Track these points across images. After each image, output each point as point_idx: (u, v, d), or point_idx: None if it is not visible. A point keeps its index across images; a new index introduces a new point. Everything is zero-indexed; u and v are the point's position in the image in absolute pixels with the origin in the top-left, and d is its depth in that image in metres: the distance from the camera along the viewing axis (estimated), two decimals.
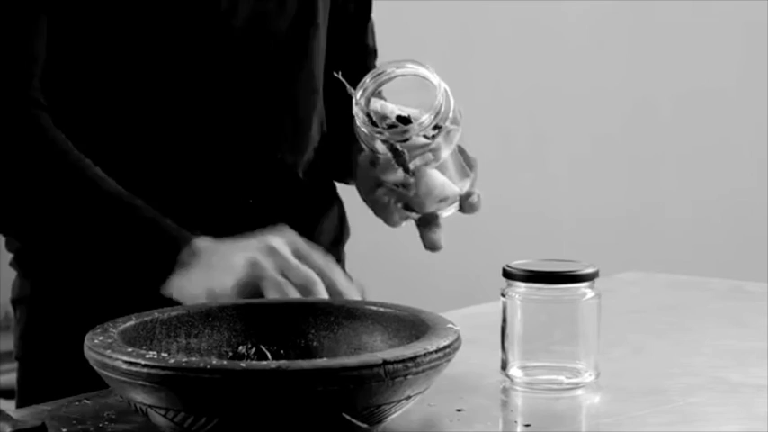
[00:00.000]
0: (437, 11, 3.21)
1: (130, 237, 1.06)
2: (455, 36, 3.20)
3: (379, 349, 0.95)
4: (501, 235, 3.11)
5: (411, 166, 1.07)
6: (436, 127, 1.06)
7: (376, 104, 1.06)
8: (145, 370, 0.81)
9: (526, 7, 3.07)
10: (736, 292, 1.54)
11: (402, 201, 1.11)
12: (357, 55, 1.35)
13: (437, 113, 1.05)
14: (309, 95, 1.25)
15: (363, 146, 1.09)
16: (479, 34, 3.17)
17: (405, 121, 1.06)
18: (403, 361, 0.82)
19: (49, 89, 1.14)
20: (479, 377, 1.06)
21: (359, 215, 1.27)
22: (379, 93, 1.09)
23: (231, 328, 1.00)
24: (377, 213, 1.15)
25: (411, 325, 0.95)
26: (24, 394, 1.22)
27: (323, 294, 1.01)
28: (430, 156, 1.07)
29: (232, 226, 1.17)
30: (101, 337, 0.87)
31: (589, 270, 1.03)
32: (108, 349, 0.84)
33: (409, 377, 0.83)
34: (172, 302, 1.01)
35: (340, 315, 1.00)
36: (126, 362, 0.82)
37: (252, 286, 1.01)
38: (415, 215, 1.13)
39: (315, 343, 1.00)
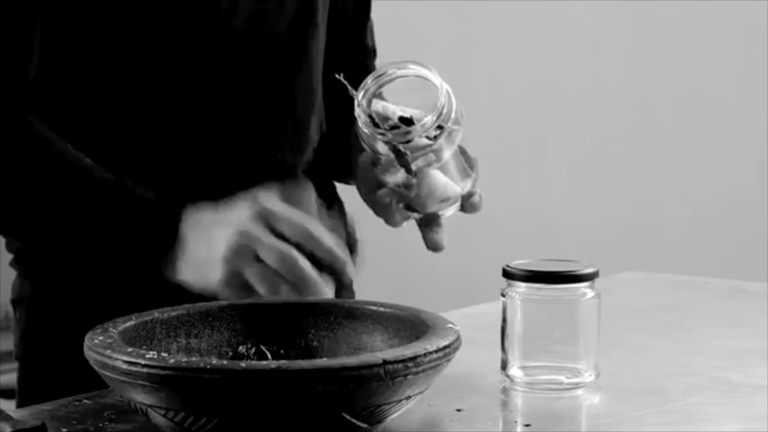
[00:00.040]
0: (437, 11, 3.21)
1: (126, 219, 1.05)
2: (455, 36, 3.20)
3: (379, 349, 0.95)
4: (501, 235, 3.11)
5: (413, 166, 1.07)
6: (438, 127, 1.06)
7: (378, 105, 1.06)
8: (145, 370, 0.81)
9: (526, 7, 3.07)
10: (736, 292, 1.54)
11: (403, 201, 1.11)
12: (356, 55, 1.35)
13: (439, 114, 1.05)
14: (309, 96, 1.25)
15: (365, 147, 1.09)
16: (479, 34, 3.17)
17: (407, 122, 1.06)
18: (403, 361, 0.82)
19: (48, 90, 1.14)
20: (479, 377, 1.06)
21: (360, 215, 1.26)
22: (380, 93, 1.09)
23: (231, 328, 1.00)
24: (377, 213, 1.15)
25: (411, 325, 0.95)
26: (24, 394, 1.22)
27: (307, 268, 1.00)
28: (432, 156, 1.07)
29: None
30: (101, 337, 0.87)
31: (589, 270, 1.03)
32: (108, 349, 0.84)
33: (409, 377, 0.83)
34: (172, 302, 1.01)
35: (340, 315, 1.00)
36: (126, 362, 0.82)
37: (242, 276, 1.01)
38: (416, 215, 1.13)
39: (315, 343, 1.00)
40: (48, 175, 1.07)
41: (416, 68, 1.08)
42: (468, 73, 3.12)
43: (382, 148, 1.07)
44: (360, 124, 1.06)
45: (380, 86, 1.08)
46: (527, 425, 0.94)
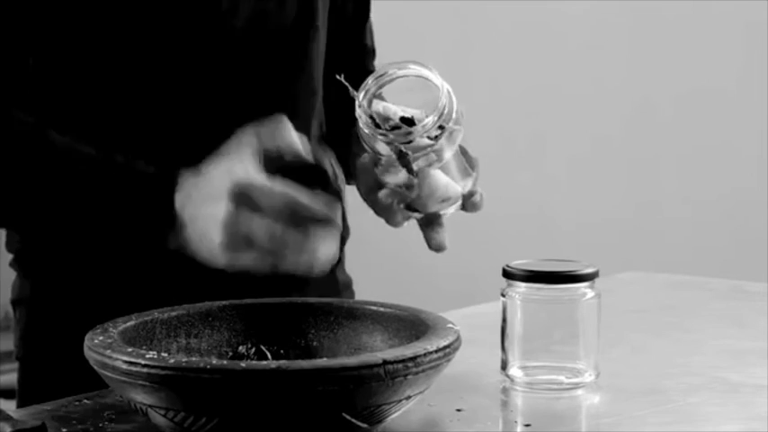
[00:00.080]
0: (437, 11, 3.21)
1: (124, 194, 1.03)
2: (455, 35, 3.20)
3: (379, 349, 0.95)
4: (501, 235, 3.11)
5: (414, 167, 1.07)
6: (440, 127, 1.06)
7: (378, 106, 1.06)
8: (145, 370, 0.81)
9: (526, 7, 3.07)
10: (736, 292, 1.54)
11: (405, 201, 1.11)
12: (356, 55, 1.35)
13: (441, 115, 1.05)
14: (309, 97, 1.25)
15: (366, 147, 1.09)
16: (479, 34, 3.17)
17: (408, 122, 1.06)
18: (403, 361, 0.82)
19: (47, 90, 1.14)
20: (479, 377, 1.06)
21: (360, 215, 1.26)
22: (380, 94, 1.09)
23: (231, 328, 1.00)
24: (378, 213, 1.15)
25: (411, 325, 0.95)
26: (24, 394, 1.22)
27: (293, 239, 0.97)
28: (433, 156, 1.07)
29: None
30: (101, 337, 0.87)
31: (589, 270, 1.03)
32: (108, 349, 0.84)
33: (409, 377, 0.83)
34: (172, 302, 1.01)
35: (340, 315, 1.00)
36: (126, 362, 0.82)
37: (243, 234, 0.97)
38: (417, 215, 1.12)
39: (315, 343, 1.00)
40: (39, 163, 1.05)
41: (417, 68, 1.07)
42: (468, 73, 3.12)
43: (383, 148, 1.07)
44: (361, 125, 1.06)
45: (381, 87, 1.08)
46: (527, 425, 0.94)
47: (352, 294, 1.35)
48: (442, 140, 1.06)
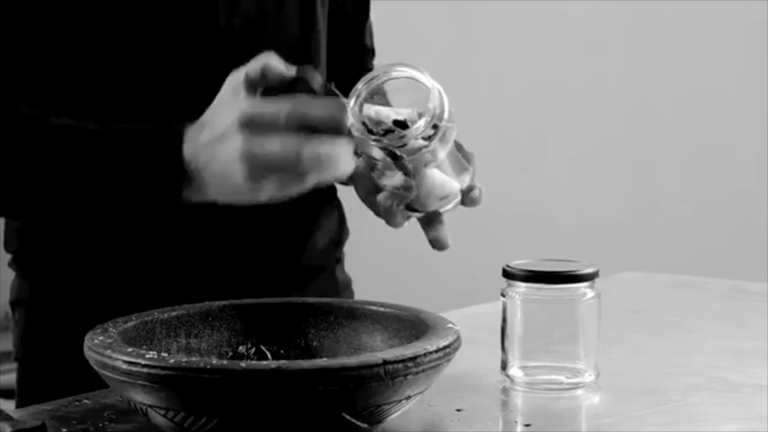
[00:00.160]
0: (437, 11, 3.21)
1: (134, 156, 1.02)
2: (455, 36, 3.20)
3: (379, 349, 0.95)
4: (501, 235, 3.11)
5: (411, 168, 1.07)
6: (434, 127, 1.06)
7: (370, 110, 1.06)
8: (145, 370, 0.81)
9: (526, 7, 3.07)
10: (736, 292, 1.54)
11: (404, 203, 1.11)
12: (355, 55, 1.35)
13: (432, 116, 1.05)
14: None
15: (360, 152, 1.09)
16: (479, 33, 3.17)
17: (401, 124, 1.06)
18: (403, 361, 0.82)
19: (45, 91, 1.14)
20: (479, 377, 1.06)
21: (359, 215, 1.26)
22: (371, 97, 1.09)
23: (231, 328, 1.00)
24: (378, 215, 1.15)
25: (411, 325, 0.95)
26: (23, 395, 1.22)
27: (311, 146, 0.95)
28: (429, 156, 1.07)
29: (232, 225, 1.17)
30: (101, 337, 0.87)
31: (589, 270, 1.03)
32: (108, 349, 0.84)
33: (409, 377, 0.83)
34: (172, 302, 1.01)
35: (340, 315, 1.00)
36: (126, 362, 0.82)
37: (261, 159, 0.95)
38: (418, 215, 1.13)
39: (315, 343, 1.00)
40: (46, 150, 1.04)
41: (406, 70, 1.07)
42: (468, 73, 3.12)
43: (377, 153, 1.07)
44: (354, 132, 1.06)
45: (371, 92, 1.08)
46: (527, 425, 0.94)
47: (351, 294, 1.35)
48: (436, 140, 1.06)
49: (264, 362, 0.88)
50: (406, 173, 1.07)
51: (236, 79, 0.98)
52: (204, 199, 0.99)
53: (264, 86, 0.97)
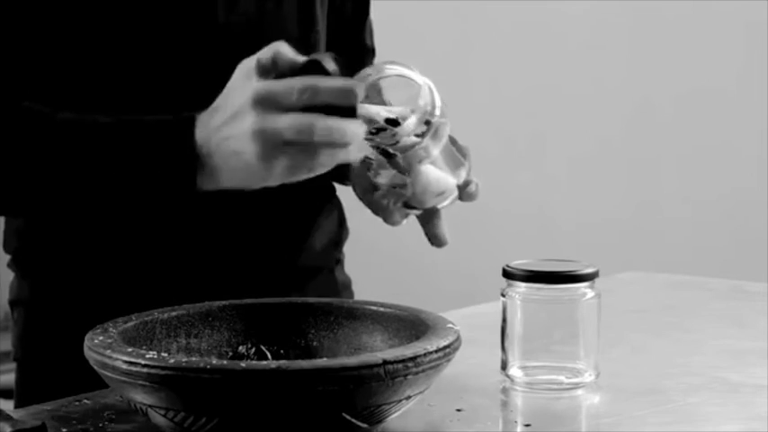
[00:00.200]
0: (437, 11, 3.21)
1: (147, 146, 1.01)
2: (455, 36, 3.20)
3: (379, 349, 0.95)
4: (501, 235, 3.11)
5: (405, 165, 1.07)
6: (426, 122, 1.06)
7: (362, 110, 1.06)
8: (145, 370, 0.81)
9: (526, 7, 3.07)
10: (736, 292, 1.54)
11: (400, 200, 1.11)
12: (355, 54, 1.35)
13: (423, 112, 1.05)
14: None
15: None
16: (479, 33, 3.17)
17: (392, 122, 1.06)
18: (403, 361, 0.82)
19: (47, 88, 1.14)
20: (479, 377, 1.06)
21: (359, 215, 1.26)
22: (365, 96, 1.08)
23: (231, 328, 1.00)
24: (376, 213, 1.15)
25: (411, 325, 0.95)
26: (22, 395, 1.22)
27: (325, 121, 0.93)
28: (422, 153, 1.07)
29: (232, 225, 1.17)
30: (101, 337, 0.87)
31: (589, 270, 1.03)
32: (108, 349, 0.84)
33: (409, 377, 0.83)
34: (172, 302, 1.01)
35: (340, 315, 1.00)
36: (126, 362, 0.82)
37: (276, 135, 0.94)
38: (415, 212, 1.13)
39: (315, 343, 1.00)
40: (56, 146, 1.04)
41: (397, 68, 1.07)
42: (468, 73, 3.12)
43: (371, 152, 1.07)
44: None
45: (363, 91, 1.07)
46: (527, 425, 0.94)
47: (351, 294, 1.35)
48: (429, 136, 1.06)
49: (264, 362, 0.88)
50: (401, 170, 1.07)
51: (247, 65, 0.98)
52: (217, 186, 0.98)
53: (276, 74, 0.97)
